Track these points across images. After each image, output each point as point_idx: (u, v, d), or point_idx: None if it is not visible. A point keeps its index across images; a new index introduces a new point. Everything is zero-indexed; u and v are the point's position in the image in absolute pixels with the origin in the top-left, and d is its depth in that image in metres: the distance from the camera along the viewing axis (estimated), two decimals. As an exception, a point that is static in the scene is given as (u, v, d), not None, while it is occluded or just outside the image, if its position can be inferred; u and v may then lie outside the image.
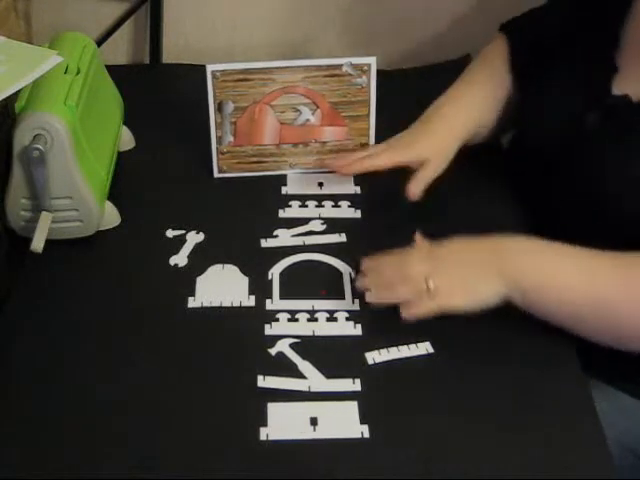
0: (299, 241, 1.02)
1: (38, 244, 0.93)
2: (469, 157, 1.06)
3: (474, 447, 0.80)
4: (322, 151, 1.11)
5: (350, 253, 1.00)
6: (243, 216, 1.06)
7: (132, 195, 1.08)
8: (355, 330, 0.91)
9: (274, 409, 0.83)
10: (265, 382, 0.85)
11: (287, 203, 1.07)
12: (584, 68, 0.98)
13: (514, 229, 0.98)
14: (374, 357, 0.88)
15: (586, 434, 0.82)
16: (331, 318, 0.92)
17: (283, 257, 1.00)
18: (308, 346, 0.89)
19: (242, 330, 0.91)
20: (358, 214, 1.06)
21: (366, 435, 0.81)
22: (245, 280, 0.97)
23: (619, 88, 0.94)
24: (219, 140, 1.09)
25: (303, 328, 0.91)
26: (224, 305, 0.94)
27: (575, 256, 0.87)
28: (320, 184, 1.10)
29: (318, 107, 1.09)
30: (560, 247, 0.87)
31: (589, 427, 0.82)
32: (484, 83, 1.09)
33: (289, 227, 1.04)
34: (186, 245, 1.01)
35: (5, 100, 0.92)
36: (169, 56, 1.38)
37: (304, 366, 0.87)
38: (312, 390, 0.85)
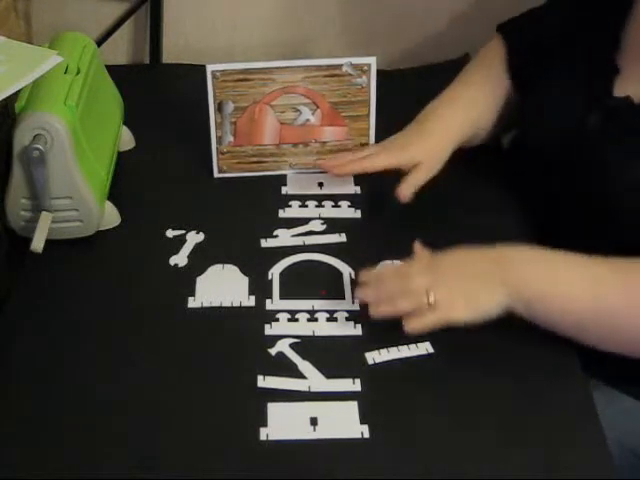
0: (299, 241, 1.02)
1: (38, 244, 0.93)
2: (469, 157, 1.06)
3: (474, 447, 0.80)
4: (322, 151, 1.11)
5: (350, 253, 1.00)
6: (243, 216, 1.06)
7: (132, 195, 1.08)
8: (355, 330, 0.91)
9: (274, 409, 0.83)
10: (265, 382, 0.85)
11: (287, 203, 1.07)
12: (584, 68, 0.98)
13: (514, 230, 0.98)
14: (374, 357, 0.88)
15: (586, 434, 0.82)
16: (331, 318, 0.92)
17: (283, 257, 1.00)
18: (308, 346, 0.89)
19: (242, 330, 0.91)
20: (358, 214, 1.06)
21: (366, 435, 0.81)
22: (245, 280, 0.97)
23: (620, 89, 0.93)
24: (219, 140, 1.09)
25: (303, 328, 0.91)
26: (224, 305, 0.94)
27: (576, 265, 0.86)
28: (320, 184, 1.10)
29: (318, 107, 1.09)
30: (561, 256, 0.87)
31: (589, 427, 0.82)
32: (482, 84, 1.09)
33: (289, 227, 1.04)
34: (186, 245, 1.01)
35: (5, 100, 0.92)
36: (169, 56, 1.38)
37: (304, 366, 0.87)
38: (312, 390, 0.85)
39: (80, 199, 0.97)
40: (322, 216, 1.06)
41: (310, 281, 0.97)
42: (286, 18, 1.37)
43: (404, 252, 0.95)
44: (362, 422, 0.82)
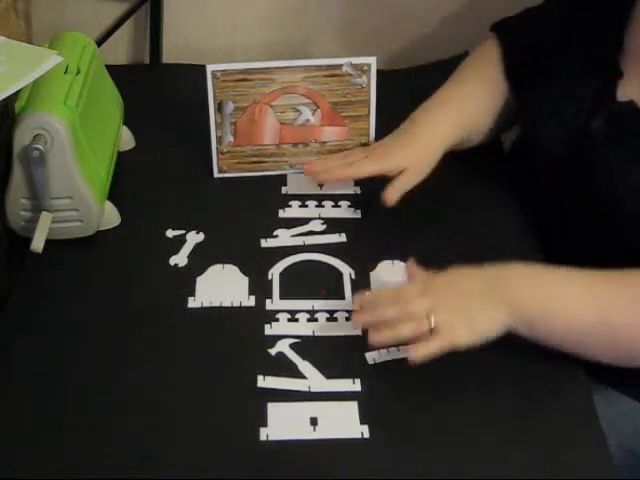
0: (299, 241, 1.02)
1: (38, 244, 0.93)
2: (470, 158, 1.06)
3: (474, 447, 0.80)
4: (322, 151, 1.11)
5: (350, 253, 1.00)
6: (243, 216, 1.06)
7: (132, 195, 1.08)
8: (355, 330, 0.91)
9: (274, 409, 0.83)
10: (265, 382, 0.85)
11: (287, 203, 1.07)
12: (583, 68, 0.97)
13: (515, 231, 0.98)
14: (374, 357, 0.88)
15: (586, 435, 0.82)
16: (331, 318, 0.92)
17: (283, 257, 1.00)
18: (308, 346, 0.89)
19: (242, 330, 0.91)
20: (358, 214, 1.06)
21: (366, 435, 0.81)
22: (245, 280, 0.97)
23: (624, 94, 0.93)
24: (219, 140, 1.09)
25: (303, 328, 0.91)
26: (224, 305, 0.94)
27: (578, 281, 0.85)
28: (320, 184, 1.10)
29: (318, 107, 1.09)
30: (562, 273, 0.85)
31: (589, 427, 0.82)
32: (476, 83, 1.08)
33: (289, 227, 1.04)
34: (186, 245, 1.01)
35: (5, 100, 0.92)
36: (169, 56, 1.38)
37: (304, 366, 0.87)
38: (312, 390, 0.85)
39: (80, 199, 0.97)
40: (322, 216, 1.05)
41: (310, 281, 0.97)
42: (286, 18, 1.37)
43: (404, 252, 0.95)
44: (362, 422, 0.82)
